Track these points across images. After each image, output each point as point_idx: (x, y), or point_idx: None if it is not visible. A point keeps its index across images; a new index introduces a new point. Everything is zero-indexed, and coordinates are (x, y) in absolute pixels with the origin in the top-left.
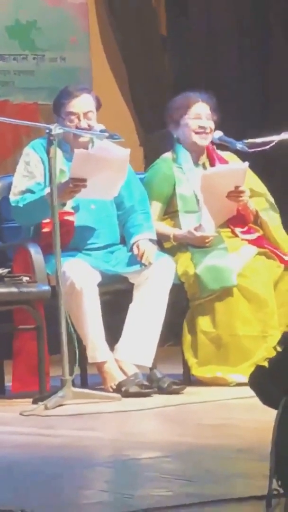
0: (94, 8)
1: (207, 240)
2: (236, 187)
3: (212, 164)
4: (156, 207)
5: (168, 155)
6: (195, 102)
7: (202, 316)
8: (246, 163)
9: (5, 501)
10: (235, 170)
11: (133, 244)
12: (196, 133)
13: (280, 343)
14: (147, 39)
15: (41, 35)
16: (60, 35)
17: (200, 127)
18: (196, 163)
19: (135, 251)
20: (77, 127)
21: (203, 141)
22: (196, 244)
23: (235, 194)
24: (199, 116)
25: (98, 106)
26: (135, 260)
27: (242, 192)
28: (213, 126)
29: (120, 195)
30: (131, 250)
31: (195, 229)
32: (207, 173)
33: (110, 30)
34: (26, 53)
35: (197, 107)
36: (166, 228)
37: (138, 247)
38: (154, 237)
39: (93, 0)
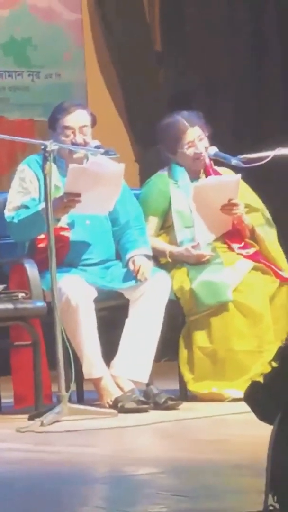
0: (88, 24)
1: (203, 259)
2: (229, 200)
3: None
4: (153, 222)
5: (163, 171)
6: (184, 131)
7: (198, 332)
8: (239, 175)
9: None
10: (227, 182)
11: (129, 259)
12: (194, 160)
13: (275, 358)
14: (141, 55)
15: (36, 52)
16: (55, 52)
17: (196, 153)
18: (193, 179)
19: (131, 266)
20: (72, 142)
21: (201, 164)
22: (192, 262)
23: (228, 207)
24: (192, 144)
25: (93, 123)
26: (130, 275)
27: (236, 205)
28: (207, 144)
29: (115, 211)
30: (126, 265)
31: (193, 247)
32: (199, 184)
33: (104, 46)
34: (22, 69)
35: (188, 135)
36: (162, 244)
37: (133, 262)
38: (150, 253)
39: (87, 16)
